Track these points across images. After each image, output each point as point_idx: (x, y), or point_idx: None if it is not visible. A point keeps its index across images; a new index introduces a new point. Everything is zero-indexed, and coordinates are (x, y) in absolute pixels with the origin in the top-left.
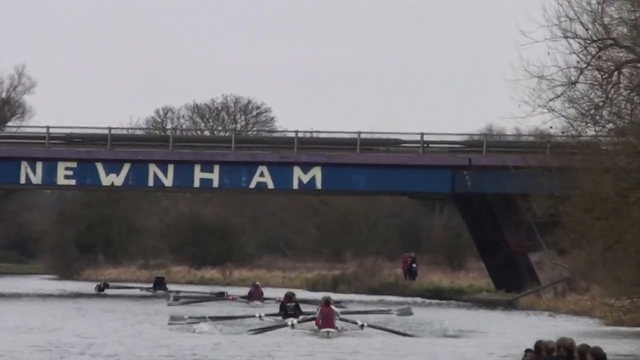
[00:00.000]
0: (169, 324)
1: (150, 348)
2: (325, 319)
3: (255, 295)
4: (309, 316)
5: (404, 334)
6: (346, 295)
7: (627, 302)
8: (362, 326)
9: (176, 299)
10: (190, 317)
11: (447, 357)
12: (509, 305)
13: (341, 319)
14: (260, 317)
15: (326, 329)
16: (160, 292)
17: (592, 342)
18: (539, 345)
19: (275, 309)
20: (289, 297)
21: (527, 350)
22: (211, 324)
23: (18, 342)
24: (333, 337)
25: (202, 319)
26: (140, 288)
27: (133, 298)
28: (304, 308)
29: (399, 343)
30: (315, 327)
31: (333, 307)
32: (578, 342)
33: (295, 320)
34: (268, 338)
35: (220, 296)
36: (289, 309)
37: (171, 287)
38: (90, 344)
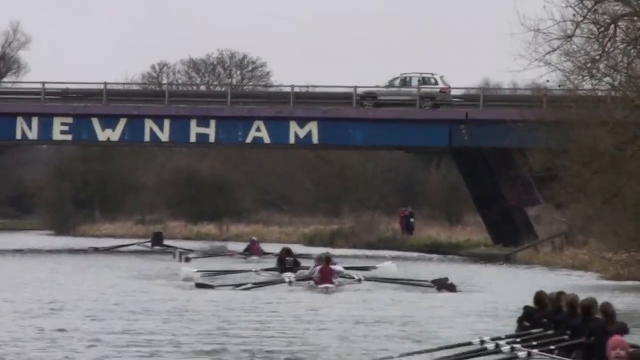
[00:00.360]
0: (183, 280)
1: (143, 303)
2: (325, 276)
3: (252, 250)
4: (307, 271)
5: (402, 282)
6: (344, 250)
7: (625, 256)
8: (359, 280)
9: (182, 254)
10: (200, 271)
11: (445, 311)
12: (507, 260)
13: (341, 276)
14: (257, 272)
15: (324, 285)
16: (157, 247)
17: (590, 296)
18: (541, 297)
19: (273, 264)
20: (287, 251)
21: (527, 307)
22: (194, 271)
23: (15, 298)
24: (331, 292)
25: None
26: (138, 243)
27: (131, 254)
28: (303, 263)
29: (397, 295)
30: (313, 283)
31: (333, 266)
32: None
33: (292, 276)
34: (265, 293)
35: (228, 250)
36: (287, 263)
37: (168, 242)
38: (84, 299)
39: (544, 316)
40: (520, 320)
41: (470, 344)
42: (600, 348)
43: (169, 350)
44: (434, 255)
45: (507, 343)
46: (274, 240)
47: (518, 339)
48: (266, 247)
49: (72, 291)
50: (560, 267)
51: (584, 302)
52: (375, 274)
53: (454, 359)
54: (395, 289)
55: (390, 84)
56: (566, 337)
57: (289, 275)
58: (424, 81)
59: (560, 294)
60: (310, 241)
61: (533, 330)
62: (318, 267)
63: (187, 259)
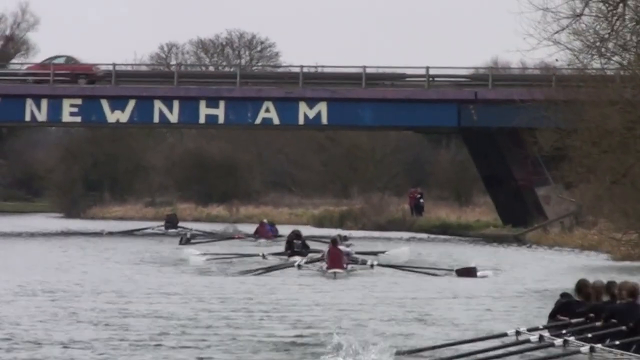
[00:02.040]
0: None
1: (147, 288)
2: (333, 260)
3: (261, 232)
4: (317, 255)
5: (417, 270)
6: (353, 232)
7: (634, 236)
8: (372, 266)
9: (186, 240)
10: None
11: (465, 295)
12: (516, 240)
13: (351, 260)
14: (263, 256)
15: (333, 270)
16: (172, 230)
17: (599, 277)
18: (584, 287)
19: (282, 247)
20: (296, 234)
21: (564, 295)
22: (200, 255)
23: (30, 281)
24: (340, 277)
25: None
26: (152, 227)
27: (143, 237)
28: (313, 246)
29: (411, 281)
30: (324, 267)
31: (342, 247)
32: (587, 277)
33: (302, 260)
34: (271, 278)
35: (237, 232)
36: (295, 246)
37: (182, 224)
38: (88, 283)
39: (592, 308)
40: (555, 313)
41: (505, 335)
42: None
43: (163, 335)
44: (444, 237)
45: (554, 335)
46: (284, 221)
47: (564, 331)
48: (279, 228)
49: (77, 275)
50: (570, 248)
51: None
52: (389, 259)
53: (494, 351)
54: (410, 275)
55: None
56: (624, 328)
57: (298, 259)
58: None
59: (612, 283)
60: (320, 222)
61: (573, 320)
62: (327, 249)
63: (188, 241)
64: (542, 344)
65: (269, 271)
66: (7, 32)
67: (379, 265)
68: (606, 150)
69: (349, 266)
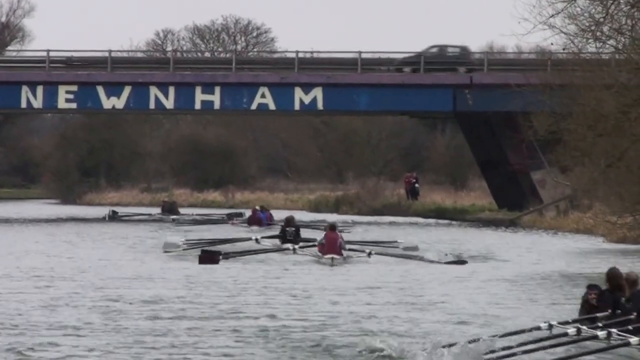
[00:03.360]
0: (165, 252)
1: (137, 273)
2: (330, 245)
3: (252, 219)
4: (310, 243)
5: (414, 257)
6: (349, 217)
7: (629, 220)
8: (369, 254)
9: (180, 222)
10: (186, 241)
11: (469, 283)
12: (512, 224)
13: (348, 248)
14: (256, 240)
15: (330, 255)
16: (174, 217)
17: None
18: (614, 278)
19: (275, 232)
20: (289, 220)
21: (591, 286)
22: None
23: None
24: (337, 264)
25: (197, 243)
26: (149, 214)
27: (141, 223)
28: (306, 233)
29: (409, 269)
30: (319, 253)
31: (339, 233)
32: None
33: (296, 246)
34: (265, 263)
35: (239, 217)
36: (288, 234)
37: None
38: (79, 269)
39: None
40: (586, 305)
41: (538, 328)
42: None
43: (143, 319)
44: (440, 221)
45: (593, 328)
46: (280, 207)
47: (599, 324)
48: (275, 214)
49: (68, 261)
50: (565, 231)
51: None
52: (393, 250)
53: (531, 345)
54: (407, 264)
55: None
56: None
57: (292, 245)
58: None
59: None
60: (316, 207)
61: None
62: (324, 234)
63: (186, 224)
64: (582, 336)
65: (259, 253)
66: (3, 19)
67: (376, 254)
68: (601, 134)
69: (345, 253)
